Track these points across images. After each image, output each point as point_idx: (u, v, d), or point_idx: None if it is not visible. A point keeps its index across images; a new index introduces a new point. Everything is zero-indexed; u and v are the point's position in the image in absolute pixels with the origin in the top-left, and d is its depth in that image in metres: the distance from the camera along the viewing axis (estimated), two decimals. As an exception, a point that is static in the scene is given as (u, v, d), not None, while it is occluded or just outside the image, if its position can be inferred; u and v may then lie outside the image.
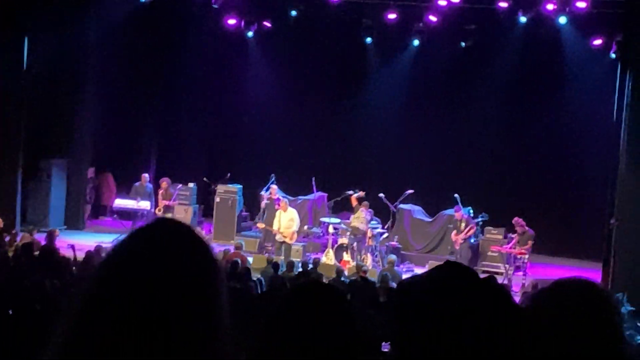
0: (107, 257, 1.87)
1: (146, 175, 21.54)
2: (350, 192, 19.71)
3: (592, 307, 2.27)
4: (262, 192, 20.76)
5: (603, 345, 2.23)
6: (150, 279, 1.80)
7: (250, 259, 17.54)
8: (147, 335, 1.77)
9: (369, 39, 22.17)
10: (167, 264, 1.82)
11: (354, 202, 19.30)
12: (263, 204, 20.62)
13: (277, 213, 19.32)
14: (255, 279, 14.93)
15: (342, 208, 20.44)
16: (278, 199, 19.87)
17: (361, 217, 19.05)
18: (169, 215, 20.40)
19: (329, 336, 2.29)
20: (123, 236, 1.92)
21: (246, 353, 2.26)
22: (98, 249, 14.68)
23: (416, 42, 21.74)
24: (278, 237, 19.10)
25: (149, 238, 1.89)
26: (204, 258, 1.89)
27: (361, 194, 19.46)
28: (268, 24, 22.17)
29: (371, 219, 19.33)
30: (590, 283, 2.36)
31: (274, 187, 20.59)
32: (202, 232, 1.93)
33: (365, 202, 19.24)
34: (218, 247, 18.60)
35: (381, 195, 19.95)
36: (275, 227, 19.18)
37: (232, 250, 17.29)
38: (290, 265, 16.26)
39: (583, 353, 2.21)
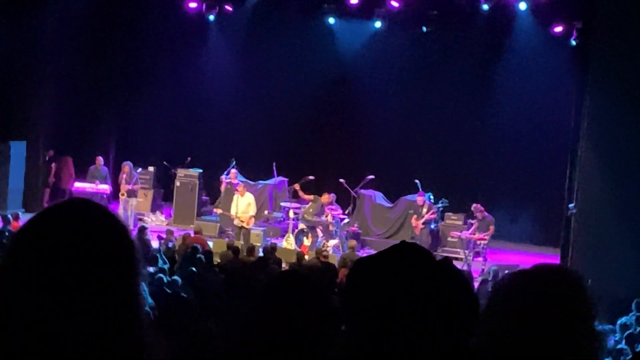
0: (21, 230, 1.88)
1: (101, 158, 21.42)
2: (311, 177, 19.78)
3: (564, 293, 2.26)
4: (222, 177, 20.72)
5: (575, 332, 2.23)
6: (60, 254, 1.80)
7: (210, 244, 17.47)
8: (52, 308, 1.77)
9: (331, 20, 22.07)
10: (78, 240, 1.82)
11: (300, 192, 19.61)
12: (223, 188, 20.57)
13: (235, 197, 19.23)
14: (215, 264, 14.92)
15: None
16: (237, 184, 19.81)
17: (311, 209, 19.30)
18: (132, 199, 20.34)
19: (310, 322, 2.34)
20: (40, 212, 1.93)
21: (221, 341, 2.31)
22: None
23: (378, 24, 21.67)
24: (236, 222, 19.03)
25: (63, 214, 1.89)
26: (117, 237, 1.88)
27: (308, 178, 19.69)
28: (229, 8, 22.02)
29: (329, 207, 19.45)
30: (562, 268, 2.38)
31: (234, 171, 20.54)
32: (119, 214, 1.96)
33: (330, 195, 19.46)
34: (178, 232, 18.55)
35: (341, 180, 19.98)
36: (232, 211, 19.11)
37: (192, 235, 17.24)
38: (251, 249, 16.22)
39: (554, 339, 2.21)
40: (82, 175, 21.85)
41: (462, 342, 2.08)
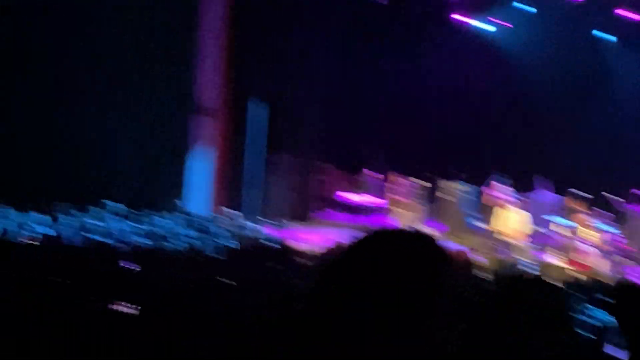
0: (341, 257, 2.20)
1: (369, 170, 21.59)
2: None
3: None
4: (485, 189, 20.37)
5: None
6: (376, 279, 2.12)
7: (479, 258, 17.19)
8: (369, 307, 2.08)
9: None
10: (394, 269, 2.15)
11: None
12: (486, 200, 20.23)
13: (499, 211, 18.84)
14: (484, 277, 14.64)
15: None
16: (500, 196, 19.40)
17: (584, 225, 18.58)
18: (399, 209, 20.34)
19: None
20: (355, 237, 2.23)
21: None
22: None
23: None
24: (501, 236, 18.63)
25: (380, 244, 2.20)
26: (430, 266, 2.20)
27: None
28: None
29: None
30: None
31: (498, 183, 20.14)
32: (431, 231, 2.05)
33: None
34: (447, 245, 18.37)
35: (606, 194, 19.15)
36: (495, 225, 18.73)
37: (462, 249, 17.06)
38: (513, 265, 15.85)
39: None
40: (348, 185, 22.14)
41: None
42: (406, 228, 2.34)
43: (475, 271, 15.21)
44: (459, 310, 2.29)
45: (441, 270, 2.21)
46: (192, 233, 15.19)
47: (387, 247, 2.21)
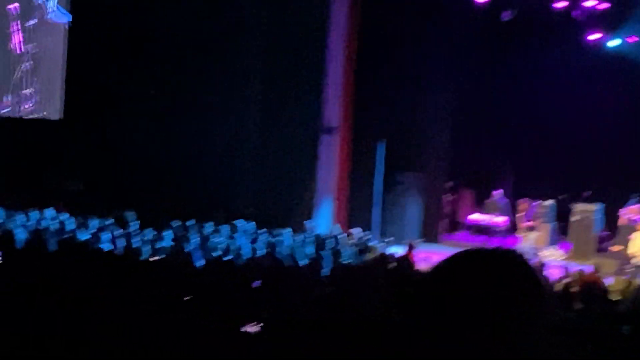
0: (427, 276, 2.18)
1: (499, 191, 21.30)
2: None
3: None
4: (622, 211, 19.79)
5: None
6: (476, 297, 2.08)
7: (608, 281, 16.66)
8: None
9: None
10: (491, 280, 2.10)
11: None
12: (622, 223, 19.64)
13: (636, 234, 18.25)
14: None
15: None
16: (637, 220, 18.79)
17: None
18: (530, 233, 20.03)
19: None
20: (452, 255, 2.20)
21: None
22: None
23: None
24: (634, 261, 18.02)
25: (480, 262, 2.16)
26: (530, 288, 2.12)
27: None
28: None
29: None
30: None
31: (635, 206, 19.52)
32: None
33: None
34: (573, 267, 17.94)
35: None
36: (631, 250, 18.12)
37: (589, 271, 16.58)
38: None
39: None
40: (480, 207, 21.89)
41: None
42: (497, 248, 2.25)
43: (603, 292, 14.77)
44: (584, 327, 2.25)
45: (524, 291, 2.13)
46: (316, 251, 15.17)
47: (470, 266, 2.18)
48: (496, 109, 22.62)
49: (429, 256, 16.11)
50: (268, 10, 19.76)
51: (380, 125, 20.58)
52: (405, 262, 14.87)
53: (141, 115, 20.25)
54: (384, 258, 15.03)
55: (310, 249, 15.20)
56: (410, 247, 16.90)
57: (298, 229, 17.36)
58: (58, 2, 21.04)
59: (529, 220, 20.29)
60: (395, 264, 14.55)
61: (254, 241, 15.75)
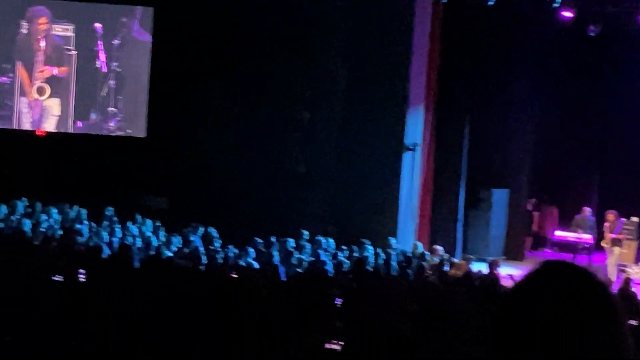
0: (515, 289, 2.14)
1: (588, 208, 20.92)
2: None
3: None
4: None
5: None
6: (549, 314, 2.01)
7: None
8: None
9: None
10: (566, 302, 2.03)
11: None
12: None
13: None
14: None
15: None
16: None
17: None
18: (615, 248, 19.65)
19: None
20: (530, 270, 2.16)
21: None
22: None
23: None
24: None
25: (552, 276, 2.10)
26: (602, 301, 2.05)
27: None
28: None
29: None
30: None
31: None
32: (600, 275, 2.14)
33: None
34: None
35: None
36: None
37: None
38: None
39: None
40: (567, 224, 21.51)
41: None
42: (574, 263, 2.19)
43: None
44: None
45: (591, 306, 2.06)
46: (400, 268, 15.05)
47: (545, 280, 2.13)
48: (582, 124, 22.27)
49: (513, 273, 15.86)
50: (351, 28, 19.75)
51: (463, 142, 20.42)
52: (490, 279, 14.68)
53: (224, 132, 20.40)
54: (469, 275, 14.87)
55: (393, 266, 15.08)
56: (495, 264, 16.66)
57: (381, 245, 17.23)
58: (140, 22, 21.32)
59: (617, 237, 19.86)
60: (479, 281, 14.38)
61: (335, 257, 15.70)
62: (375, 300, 10.07)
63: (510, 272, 15.86)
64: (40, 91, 21.34)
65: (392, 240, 18.19)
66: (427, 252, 17.47)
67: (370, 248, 16.56)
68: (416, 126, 19.83)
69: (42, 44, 21.28)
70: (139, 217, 17.54)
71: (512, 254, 21.27)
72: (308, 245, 16.49)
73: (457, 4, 19.51)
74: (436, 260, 16.69)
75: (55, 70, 21.36)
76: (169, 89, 20.63)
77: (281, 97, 20.18)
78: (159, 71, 20.94)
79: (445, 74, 20.09)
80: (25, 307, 7.48)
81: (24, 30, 21.23)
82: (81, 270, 9.88)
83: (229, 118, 20.48)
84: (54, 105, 21.41)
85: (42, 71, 21.32)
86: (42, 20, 21.21)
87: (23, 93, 21.31)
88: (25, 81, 21.29)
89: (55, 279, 9.72)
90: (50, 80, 21.39)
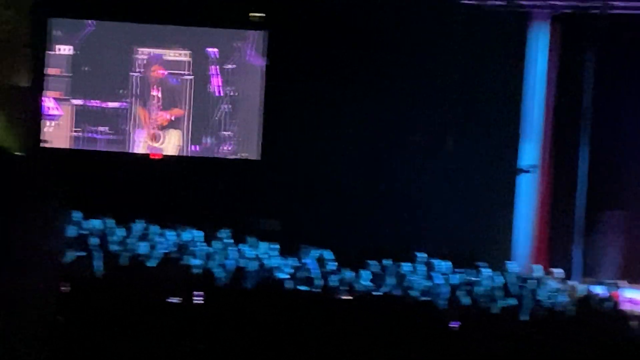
0: None
1: None
2: None
3: None
4: None
5: None
6: None
7: None
8: None
9: None
10: None
11: None
12: None
13: None
14: None
15: None
16: None
17: None
18: None
19: None
20: None
21: None
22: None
23: None
24: None
25: None
26: None
27: None
28: None
29: None
30: None
31: None
32: None
33: None
34: None
35: None
36: None
37: None
38: None
39: None
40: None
41: None
42: None
43: None
44: None
45: None
46: (518, 292, 14.79)
47: None
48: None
49: (634, 298, 15.51)
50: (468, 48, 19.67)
51: (580, 164, 20.10)
52: (611, 303, 14.35)
53: (337, 155, 20.43)
54: (588, 299, 14.50)
55: (512, 290, 14.83)
56: (615, 288, 16.34)
57: (496, 269, 16.97)
58: (254, 46, 21.54)
59: None
60: (599, 305, 14.04)
61: (450, 280, 15.50)
62: (489, 327, 9.89)
63: (632, 296, 15.53)
64: (155, 138, 21.59)
65: (510, 264, 17.92)
66: (544, 276, 17.18)
67: (487, 271, 16.31)
68: (532, 149, 19.64)
69: (156, 92, 21.57)
70: (253, 240, 17.64)
71: (632, 277, 20.76)
72: (423, 268, 16.34)
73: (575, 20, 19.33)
74: (555, 284, 16.40)
75: (171, 116, 21.60)
76: (283, 112, 20.78)
77: (396, 120, 20.15)
78: (273, 94, 21.12)
79: (560, 94, 19.90)
80: (141, 329, 7.55)
81: (138, 74, 21.54)
82: (197, 293, 9.95)
83: (341, 140, 20.52)
84: (173, 136, 21.71)
85: (156, 118, 21.63)
86: (156, 67, 21.52)
87: (141, 125, 21.68)
88: (143, 117, 21.60)
89: (170, 300, 9.80)
90: (165, 126, 21.69)
